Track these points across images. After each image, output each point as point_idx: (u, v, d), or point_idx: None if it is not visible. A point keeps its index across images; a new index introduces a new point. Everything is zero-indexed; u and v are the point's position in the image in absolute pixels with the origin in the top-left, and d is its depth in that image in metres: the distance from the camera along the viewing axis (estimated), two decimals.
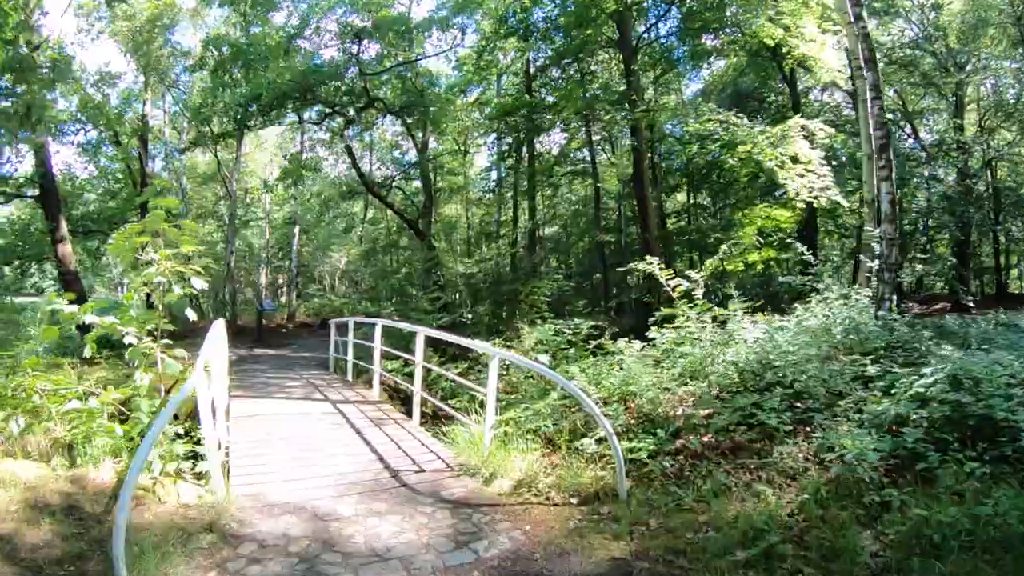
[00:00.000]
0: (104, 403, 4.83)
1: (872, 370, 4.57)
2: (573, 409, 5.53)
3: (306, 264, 31.33)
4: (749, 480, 3.82)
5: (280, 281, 32.18)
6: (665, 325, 6.67)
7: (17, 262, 16.81)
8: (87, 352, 5.61)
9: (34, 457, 4.31)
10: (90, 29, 16.71)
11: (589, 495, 4.10)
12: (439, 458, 5.17)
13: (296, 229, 25.35)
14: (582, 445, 4.80)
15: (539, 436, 5.70)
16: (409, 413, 6.66)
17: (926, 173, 15.84)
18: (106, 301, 5.53)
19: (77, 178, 18.54)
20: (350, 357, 9.47)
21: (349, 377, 9.46)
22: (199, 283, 5.89)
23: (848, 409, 4.11)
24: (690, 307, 6.50)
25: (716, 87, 19.36)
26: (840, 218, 16.04)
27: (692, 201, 20.34)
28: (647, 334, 6.53)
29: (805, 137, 10.61)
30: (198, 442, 4.64)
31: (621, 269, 11.31)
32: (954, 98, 16.65)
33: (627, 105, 13.22)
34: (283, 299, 28.77)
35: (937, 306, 14.59)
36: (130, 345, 5.63)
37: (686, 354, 5.81)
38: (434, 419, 7.26)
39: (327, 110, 16.74)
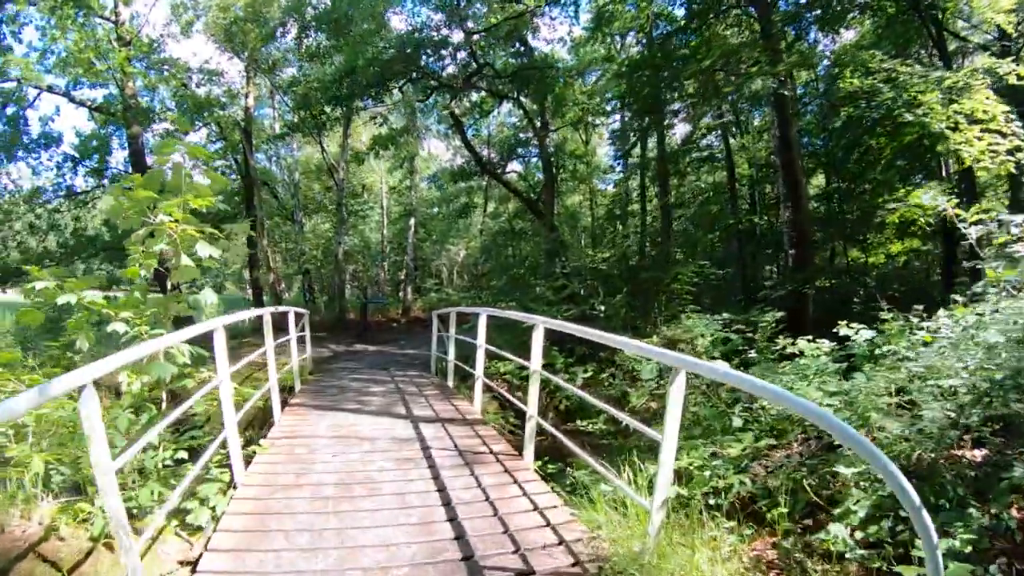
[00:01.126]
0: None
1: None
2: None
3: (423, 258, 30.67)
4: None
5: (401, 277, 31.89)
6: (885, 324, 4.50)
7: (103, 254, 17.07)
8: (82, 344, 4.09)
9: None
10: (177, 19, 16.52)
11: None
12: (562, 542, 2.90)
13: (412, 221, 24.50)
14: (831, 539, 2.43)
15: (733, 500, 3.33)
16: (520, 447, 4.44)
17: None
18: (97, 279, 3.61)
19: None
20: (451, 357, 7.50)
21: (450, 382, 7.49)
22: (206, 250, 4.12)
23: None
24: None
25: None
26: None
27: (831, 184, 16.48)
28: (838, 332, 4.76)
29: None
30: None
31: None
32: None
33: (768, 58, 10.40)
34: (400, 294, 28.16)
35: None
36: (117, 333, 4.02)
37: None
38: (553, 451, 5.03)
39: (432, 83, 15.10)
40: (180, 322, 4.61)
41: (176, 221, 4.18)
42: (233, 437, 3.86)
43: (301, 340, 8.08)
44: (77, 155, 15.98)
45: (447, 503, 3.37)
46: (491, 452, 4.36)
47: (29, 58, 13.43)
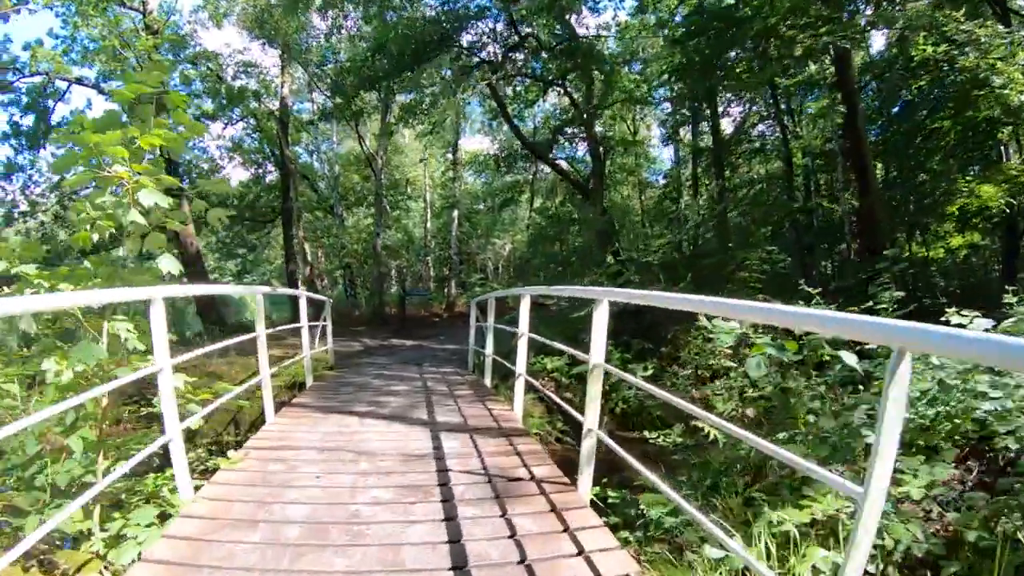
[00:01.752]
0: None
1: None
2: None
3: (468, 253, 29.73)
4: None
5: (445, 272, 31.10)
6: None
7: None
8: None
9: None
10: (206, 5, 15.95)
11: None
12: None
13: (455, 214, 23.49)
14: None
15: None
16: (571, 467, 3.21)
17: None
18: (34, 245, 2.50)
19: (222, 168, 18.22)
20: (489, 351, 6.29)
21: (487, 380, 6.30)
22: (150, 198, 3.07)
23: None
24: None
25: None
26: None
27: (889, 175, 15.01)
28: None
29: None
30: None
31: None
32: None
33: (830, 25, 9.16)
34: (444, 289, 27.29)
35: None
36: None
37: None
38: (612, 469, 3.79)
39: (472, 60, 13.97)
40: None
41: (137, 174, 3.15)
42: (178, 445, 2.81)
43: (314, 332, 7.09)
44: None
45: (460, 566, 2.17)
46: (532, 478, 3.12)
47: (56, 50, 13.09)
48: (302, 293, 6.04)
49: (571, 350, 3.73)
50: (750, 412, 4.69)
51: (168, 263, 3.51)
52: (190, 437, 4.23)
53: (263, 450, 3.60)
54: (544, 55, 14.26)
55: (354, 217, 24.08)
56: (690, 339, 8.92)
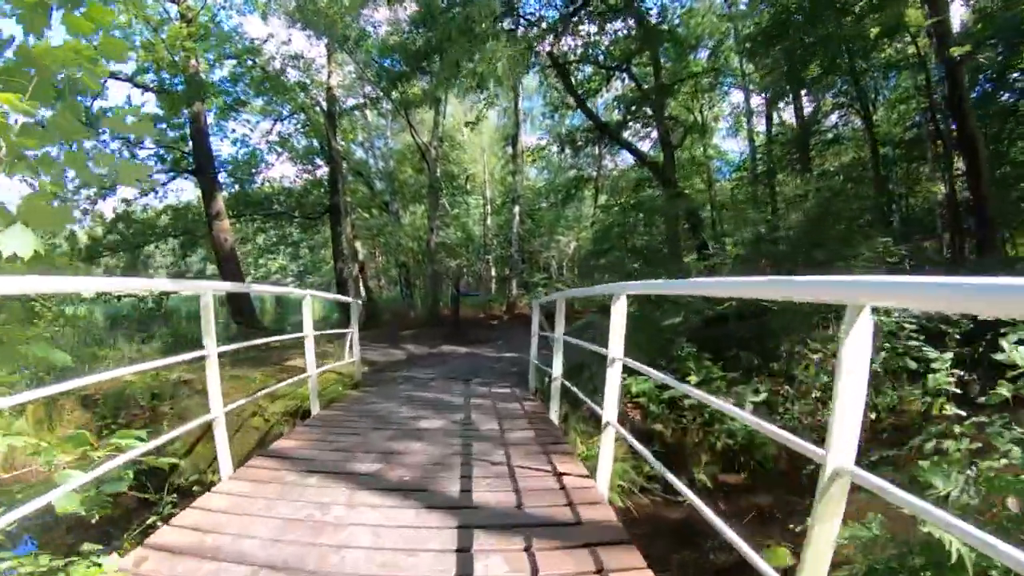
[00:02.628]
0: None
1: None
2: None
3: (530, 251, 28.06)
4: None
5: (508, 272, 29.49)
6: None
7: (174, 240, 16.00)
8: None
9: None
10: None
11: None
12: None
13: (516, 210, 21.63)
14: None
15: None
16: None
17: None
18: None
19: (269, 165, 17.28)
20: (557, 374, 4.54)
21: (553, 412, 4.56)
22: None
23: None
24: None
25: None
26: None
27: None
28: None
29: None
30: None
31: None
32: None
33: None
34: (506, 289, 25.68)
35: None
36: None
37: None
38: None
39: (530, 28, 12.23)
40: None
41: None
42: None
43: (322, 341, 5.56)
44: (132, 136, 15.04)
45: None
46: None
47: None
48: (308, 292, 4.50)
49: (669, 380, 1.95)
50: (1013, 503, 2.68)
51: (17, 237, 1.99)
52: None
53: (165, 555, 2.02)
54: (607, 36, 12.52)
55: (411, 215, 22.96)
56: (808, 350, 6.93)
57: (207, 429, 4.08)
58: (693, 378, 6.23)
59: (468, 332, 12.66)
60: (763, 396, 6.30)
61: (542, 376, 5.65)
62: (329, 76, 15.41)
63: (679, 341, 6.96)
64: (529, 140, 30.81)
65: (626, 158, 22.54)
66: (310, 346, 4.40)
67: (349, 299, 6.13)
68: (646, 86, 13.77)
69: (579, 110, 14.08)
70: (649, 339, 7.01)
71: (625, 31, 12.72)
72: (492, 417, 4.53)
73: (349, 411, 4.72)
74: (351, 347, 6.07)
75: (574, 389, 3.93)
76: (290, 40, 19.75)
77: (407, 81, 13.15)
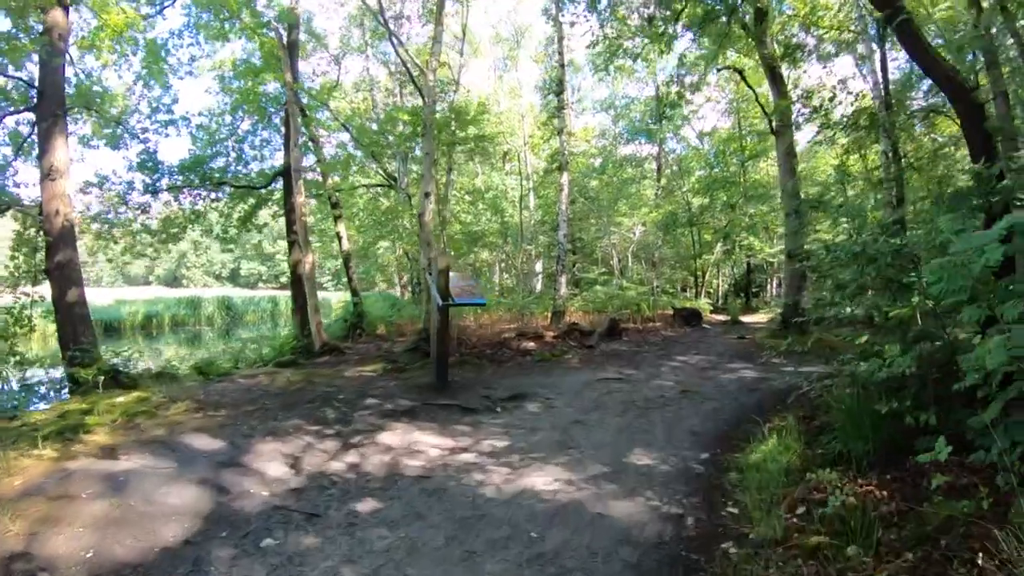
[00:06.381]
0: None
1: None
2: None
3: (582, 240, 22.32)
4: None
5: (556, 267, 23.80)
6: None
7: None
8: None
9: None
10: None
11: None
12: None
13: (565, 178, 15.43)
14: None
15: None
16: None
17: None
18: None
19: None
20: None
21: None
22: None
23: None
24: None
25: None
26: None
27: None
28: None
29: None
30: None
31: None
32: None
33: None
34: (560, 291, 20.00)
35: None
36: None
37: None
38: None
39: None
40: None
41: None
42: None
43: None
44: None
45: None
46: None
47: None
48: None
49: None
50: None
51: None
52: None
53: None
54: None
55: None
56: None
57: None
58: None
59: (467, 386, 7.09)
60: None
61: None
62: None
63: None
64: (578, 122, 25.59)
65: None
66: None
67: None
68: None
69: None
70: None
71: None
72: None
73: None
74: None
75: None
76: None
77: None
